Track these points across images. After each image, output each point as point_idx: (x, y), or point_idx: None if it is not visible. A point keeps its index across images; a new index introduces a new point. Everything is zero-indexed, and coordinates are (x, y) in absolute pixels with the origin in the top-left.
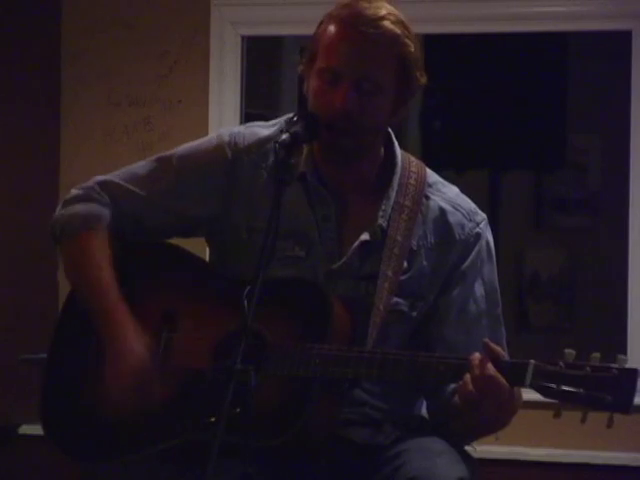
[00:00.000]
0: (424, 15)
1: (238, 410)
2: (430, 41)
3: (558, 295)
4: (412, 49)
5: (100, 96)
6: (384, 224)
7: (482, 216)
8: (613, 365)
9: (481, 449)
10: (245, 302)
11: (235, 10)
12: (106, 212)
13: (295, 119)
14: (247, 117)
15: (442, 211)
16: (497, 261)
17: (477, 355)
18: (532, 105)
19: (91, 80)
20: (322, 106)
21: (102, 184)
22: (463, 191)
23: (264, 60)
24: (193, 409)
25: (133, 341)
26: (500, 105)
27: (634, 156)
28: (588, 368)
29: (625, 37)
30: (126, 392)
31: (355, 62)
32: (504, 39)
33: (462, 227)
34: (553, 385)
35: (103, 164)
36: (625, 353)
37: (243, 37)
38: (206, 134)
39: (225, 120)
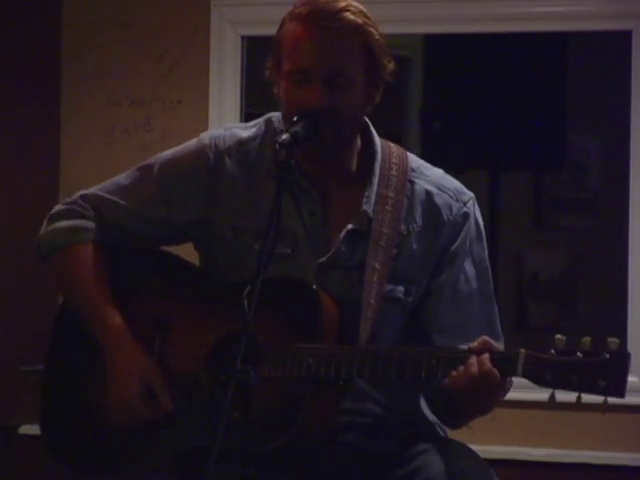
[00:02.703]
0: (424, 15)
1: (237, 412)
2: (430, 41)
3: (558, 295)
4: (376, 36)
5: (100, 96)
6: (369, 210)
7: (469, 195)
8: (604, 349)
9: (481, 449)
10: (245, 302)
11: (235, 10)
12: (91, 225)
13: (295, 119)
14: (247, 117)
15: (428, 194)
16: (497, 261)
17: (474, 357)
18: (532, 105)
19: (91, 80)
20: (296, 106)
21: (85, 197)
22: None
23: (264, 60)
24: (193, 415)
25: (133, 348)
26: (500, 105)
27: (634, 156)
28: (579, 354)
29: (625, 37)
30: (135, 398)
31: (322, 59)
32: (504, 39)
33: (450, 208)
34: (545, 373)
35: (103, 164)
36: None
37: (243, 37)
38: None
39: (225, 120)
